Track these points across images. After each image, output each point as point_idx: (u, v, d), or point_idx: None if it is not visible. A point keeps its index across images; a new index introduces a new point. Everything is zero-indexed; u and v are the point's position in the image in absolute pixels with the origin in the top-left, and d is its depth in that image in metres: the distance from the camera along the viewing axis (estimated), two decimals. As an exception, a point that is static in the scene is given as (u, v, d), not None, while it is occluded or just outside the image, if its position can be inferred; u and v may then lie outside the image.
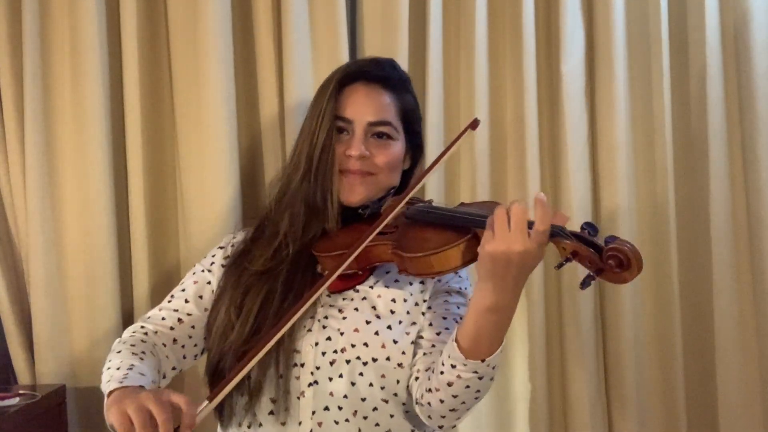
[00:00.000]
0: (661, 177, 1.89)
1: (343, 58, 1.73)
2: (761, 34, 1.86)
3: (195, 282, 1.39)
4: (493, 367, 1.15)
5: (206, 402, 1.12)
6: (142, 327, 1.34)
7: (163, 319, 1.36)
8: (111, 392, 1.14)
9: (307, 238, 1.34)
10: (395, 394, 1.28)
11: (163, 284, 1.74)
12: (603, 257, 1.06)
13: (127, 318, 1.72)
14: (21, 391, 1.57)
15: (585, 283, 1.08)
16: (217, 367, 1.28)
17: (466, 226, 1.19)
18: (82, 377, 1.69)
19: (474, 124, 1.41)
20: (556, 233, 1.08)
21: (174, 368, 1.34)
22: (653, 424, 1.90)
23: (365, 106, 1.37)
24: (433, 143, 1.79)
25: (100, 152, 1.66)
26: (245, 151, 1.76)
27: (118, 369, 1.19)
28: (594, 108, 1.88)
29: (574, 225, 1.12)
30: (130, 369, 1.18)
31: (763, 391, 1.90)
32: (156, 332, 1.33)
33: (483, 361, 1.12)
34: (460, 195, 1.84)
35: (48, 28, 1.67)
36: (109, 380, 1.17)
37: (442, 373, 1.16)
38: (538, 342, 1.82)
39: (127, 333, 1.33)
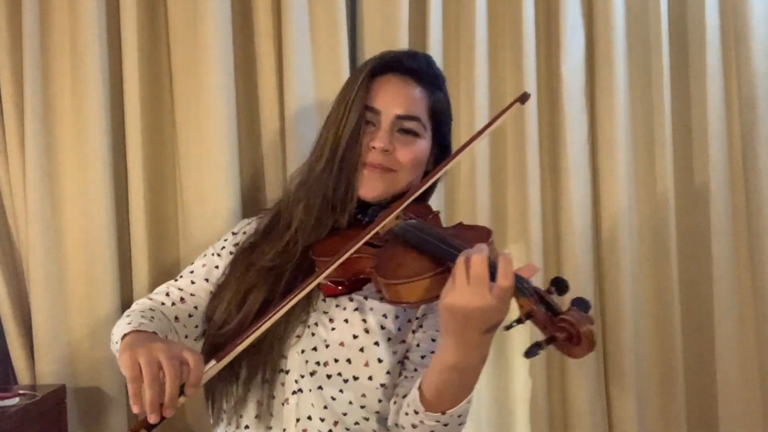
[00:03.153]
0: (661, 177, 1.89)
1: (343, 58, 1.73)
2: (761, 34, 1.86)
3: (203, 265, 1.38)
4: (459, 416, 1.09)
5: (213, 362, 1.11)
6: (150, 299, 1.33)
7: (167, 295, 1.34)
8: (125, 336, 1.12)
9: (318, 233, 1.29)
10: (377, 412, 1.24)
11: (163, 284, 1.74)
12: (555, 325, 0.95)
13: (127, 318, 1.72)
14: (21, 391, 1.57)
15: (529, 353, 0.94)
16: (211, 354, 1.24)
17: (441, 258, 1.09)
18: (82, 377, 1.68)
19: (523, 98, 1.30)
20: (518, 288, 0.97)
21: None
22: (653, 424, 1.90)
23: (395, 98, 1.31)
24: (433, 143, 1.79)
25: (100, 152, 1.66)
26: (245, 151, 1.76)
27: (129, 323, 1.17)
28: (594, 108, 1.88)
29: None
30: (143, 321, 1.17)
31: (763, 391, 1.90)
32: (160, 306, 1.32)
33: (444, 413, 1.07)
34: (460, 195, 1.84)
35: (48, 28, 1.67)
36: (122, 330, 1.15)
37: (407, 413, 1.13)
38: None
39: (134, 305, 1.32)
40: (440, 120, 1.38)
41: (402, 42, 1.75)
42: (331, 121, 1.33)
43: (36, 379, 1.67)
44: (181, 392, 1.04)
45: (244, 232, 1.41)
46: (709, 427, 1.93)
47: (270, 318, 1.14)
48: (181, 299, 1.34)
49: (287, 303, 1.16)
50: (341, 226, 1.30)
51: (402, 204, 1.22)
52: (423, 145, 1.34)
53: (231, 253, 1.38)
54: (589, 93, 1.87)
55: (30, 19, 1.64)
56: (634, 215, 1.89)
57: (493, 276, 0.96)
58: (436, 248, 1.11)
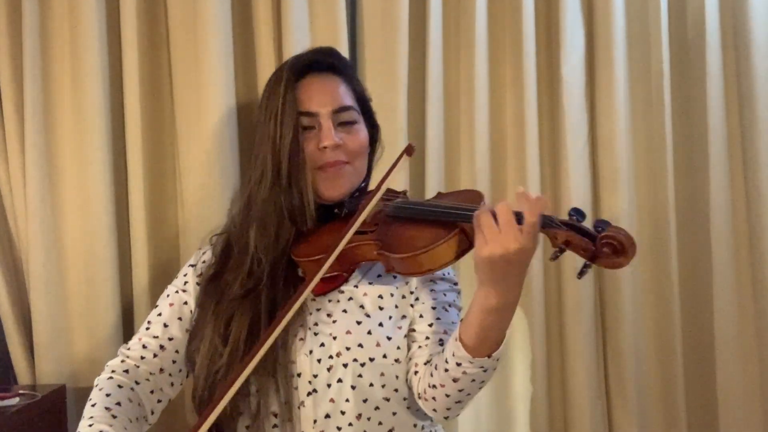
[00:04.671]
0: (661, 177, 1.89)
1: (343, 58, 1.73)
2: (761, 34, 1.86)
3: (171, 305, 1.35)
4: (497, 359, 1.15)
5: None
6: (123, 362, 1.30)
7: (144, 347, 1.31)
8: None
9: (281, 246, 1.29)
10: (396, 390, 1.27)
11: (163, 284, 1.72)
12: (597, 244, 1.05)
13: (127, 318, 1.72)
14: (21, 391, 1.57)
15: (582, 273, 1.07)
16: (208, 394, 1.24)
17: (452, 221, 1.16)
18: (82, 377, 1.68)
19: (409, 150, 1.31)
20: (548, 224, 1.07)
21: (160, 401, 1.30)
22: (653, 424, 1.91)
23: (325, 95, 1.32)
24: (433, 143, 1.79)
25: (100, 152, 1.66)
26: (245, 151, 1.76)
27: (90, 426, 1.15)
28: (594, 108, 1.88)
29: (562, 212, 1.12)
30: (104, 428, 1.14)
31: (763, 391, 1.90)
32: (138, 366, 1.29)
33: (489, 356, 1.13)
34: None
35: (48, 28, 1.67)
36: None
37: (446, 370, 1.16)
38: (538, 341, 1.82)
39: (106, 373, 1.28)
40: (364, 101, 1.41)
41: (402, 42, 1.75)
42: (263, 139, 1.31)
43: (36, 379, 1.67)
44: None
45: (204, 262, 1.38)
46: (709, 428, 1.93)
47: (273, 331, 1.14)
48: (161, 347, 1.31)
49: (287, 312, 1.15)
50: (307, 232, 1.30)
51: (381, 186, 1.25)
52: (364, 130, 1.37)
53: (198, 284, 1.35)
54: (589, 93, 1.88)
55: (30, 20, 1.64)
56: (634, 215, 1.89)
57: (518, 220, 1.04)
58: (444, 214, 1.18)
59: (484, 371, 1.15)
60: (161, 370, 1.30)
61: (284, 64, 1.37)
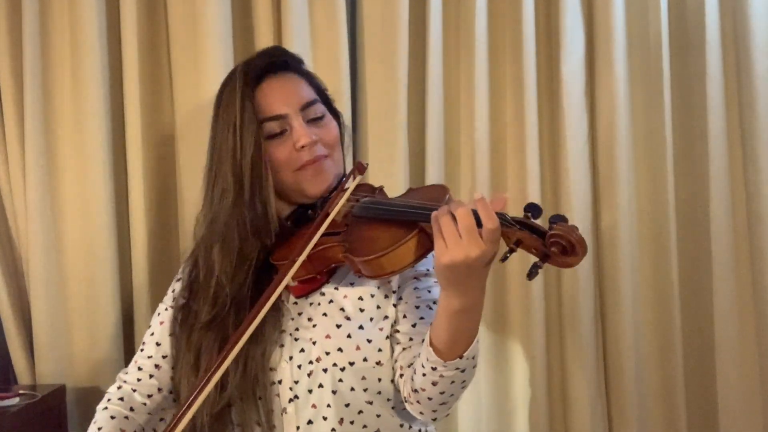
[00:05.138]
0: (661, 177, 1.89)
1: (343, 58, 1.73)
2: (761, 34, 1.86)
3: (161, 323, 1.33)
4: (473, 357, 1.11)
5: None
6: (120, 388, 1.29)
7: (140, 369, 1.31)
8: None
9: (246, 264, 1.25)
10: (378, 392, 1.25)
11: (163, 284, 1.73)
12: (546, 243, 1.01)
13: (127, 318, 1.72)
14: (21, 391, 1.57)
15: (531, 273, 1.02)
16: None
17: (412, 221, 1.13)
18: (82, 377, 1.69)
19: (360, 168, 1.29)
20: (503, 223, 1.02)
21: (162, 419, 1.30)
22: (653, 424, 1.90)
23: (288, 95, 1.29)
24: (433, 143, 1.79)
25: (100, 152, 1.67)
26: (245, 151, 1.76)
27: None
28: (594, 108, 1.88)
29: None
30: None
31: (763, 391, 1.90)
32: (135, 390, 1.29)
33: (461, 357, 1.09)
34: (459, 195, 1.84)
35: (48, 28, 1.67)
36: None
37: (424, 375, 1.13)
38: (538, 342, 1.82)
39: (103, 403, 1.28)
40: (323, 93, 1.38)
41: (402, 42, 1.75)
42: (221, 152, 1.27)
43: (36, 379, 1.67)
44: None
45: (179, 280, 1.36)
46: (709, 428, 1.93)
47: (239, 339, 1.12)
48: (156, 366, 1.30)
49: (255, 316, 1.13)
50: (270, 245, 1.27)
51: (344, 187, 1.23)
52: (332, 121, 1.35)
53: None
54: (589, 93, 1.87)
55: (30, 19, 1.64)
56: (634, 215, 1.89)
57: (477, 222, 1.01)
58: (404, 214, 1.15)
59: (462, 371, 1.11)
60: (159, 389, 1.30)
61: (234, 71, 1.32)
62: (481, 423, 1.86)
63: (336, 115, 1.39)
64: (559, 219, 1.02)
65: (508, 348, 1.86)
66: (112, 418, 1.25)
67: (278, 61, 1.33)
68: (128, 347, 1.73)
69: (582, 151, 1.85)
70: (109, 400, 1.28)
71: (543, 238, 1.01)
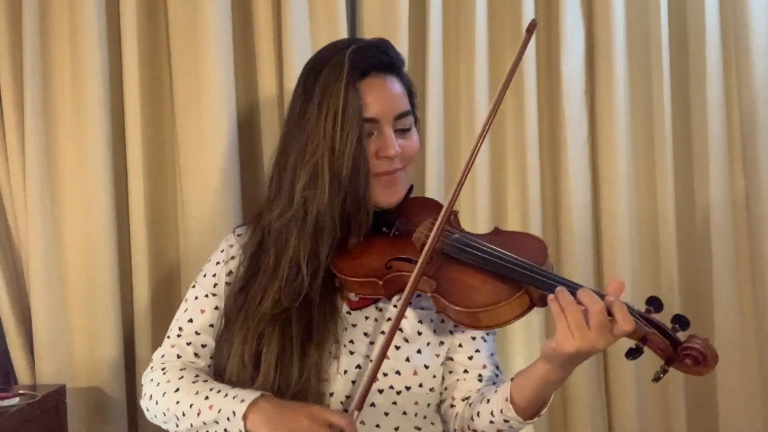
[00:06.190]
0: (661, 177, 1.89)
1: (343, 58, 1.72)
2: (761, 34, 1.86)
3: (202, 311, 1.28)
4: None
5: (356, 413, 1.10)
6: (163, 368, 1.24)
7: (178, 357, 1.26)
8: (253, 405, 1.09)
9: (322, 259, 1.21)
10: (425, 417, 1.25)
11: (163, 284, 1.74)
12: (678, 352, 1.02)
13: (128, 318, 1.72)
14: (21, 391, 1.57)
15: (658, 378, 1.05)
16: None
17: (516, 281, 1.09)
18: (82, 377, 1.68)
19: (532, 25, 1.20)
20: (637, 322, 1.01)
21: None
22: (653, 424, 1.90)
23: (387, 102, 1.23)
24: (433, 142, 1.79)
25: (100, 152, 1.66)
26: (245, 149, 1.76)
27: (218, 392, 1.13)
28: (594, 108, 1.88)
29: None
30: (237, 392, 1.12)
31: (763, 391, 1.90)
32: (180, 357, 1.26)
33: (539, 415, 1.14)
34: (460, 195, 1.82)
35: (48, 28, 1.67)
36: (219, 409, 1.11)
37: (491, 422, 1.16)
38: (539, 342, 1.82)
39: (156, 366, 1.25)
40: (414, 99, 1.32)
41: (402, 42, 1.74)
42: (317, 139, 1.19)
43: (36, 379, 1.67)
44: None
45: (233, 257, 1.30)
46: (709, 428, 1.93)
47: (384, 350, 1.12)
48: (195, 354, 1.26)
49: (393, 327, 1.12)
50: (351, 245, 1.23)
51: (444, 218, 1.15)
52: (416, 134, 1.30)
53: (227, 283, 1.29)
54: (589, 93, 1.87)
55: (30, 20, 1.64)
56: (634, 215, 1.89)
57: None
58: (511, 271, 1.10)
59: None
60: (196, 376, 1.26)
61: (340, 49, 1.23)
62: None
63: (416, 121, 1.32)
64: (683, 324, 1.03)
65: (509, 348, 1.86)
66: (179, 356, 1.24)
67: (387, 61, 1.26)
68: (128, 347, 1.73)
69: (582, 151, 1.85)
70: (163, 368, 1.24)
71: (675, 345, 1.02)
